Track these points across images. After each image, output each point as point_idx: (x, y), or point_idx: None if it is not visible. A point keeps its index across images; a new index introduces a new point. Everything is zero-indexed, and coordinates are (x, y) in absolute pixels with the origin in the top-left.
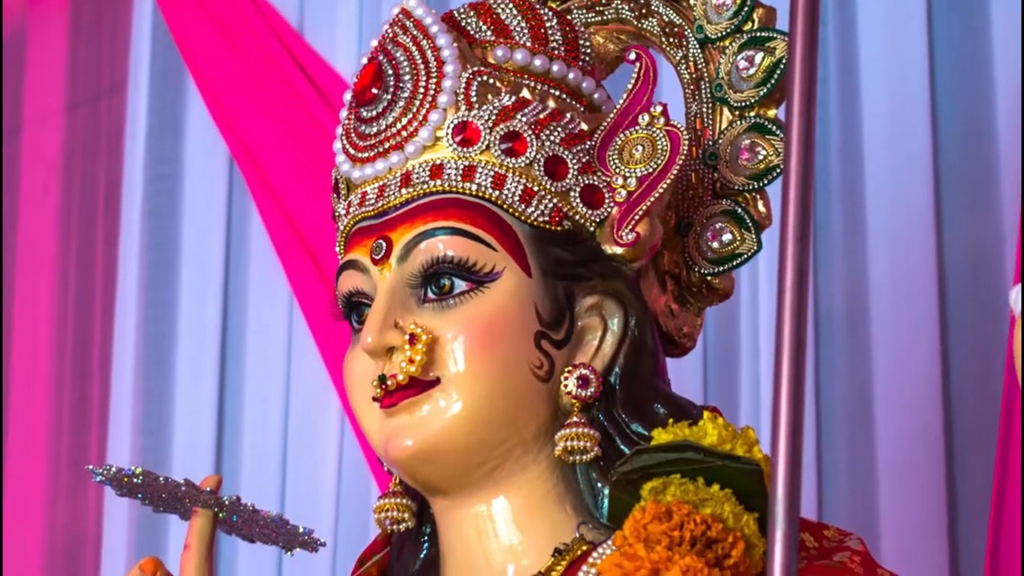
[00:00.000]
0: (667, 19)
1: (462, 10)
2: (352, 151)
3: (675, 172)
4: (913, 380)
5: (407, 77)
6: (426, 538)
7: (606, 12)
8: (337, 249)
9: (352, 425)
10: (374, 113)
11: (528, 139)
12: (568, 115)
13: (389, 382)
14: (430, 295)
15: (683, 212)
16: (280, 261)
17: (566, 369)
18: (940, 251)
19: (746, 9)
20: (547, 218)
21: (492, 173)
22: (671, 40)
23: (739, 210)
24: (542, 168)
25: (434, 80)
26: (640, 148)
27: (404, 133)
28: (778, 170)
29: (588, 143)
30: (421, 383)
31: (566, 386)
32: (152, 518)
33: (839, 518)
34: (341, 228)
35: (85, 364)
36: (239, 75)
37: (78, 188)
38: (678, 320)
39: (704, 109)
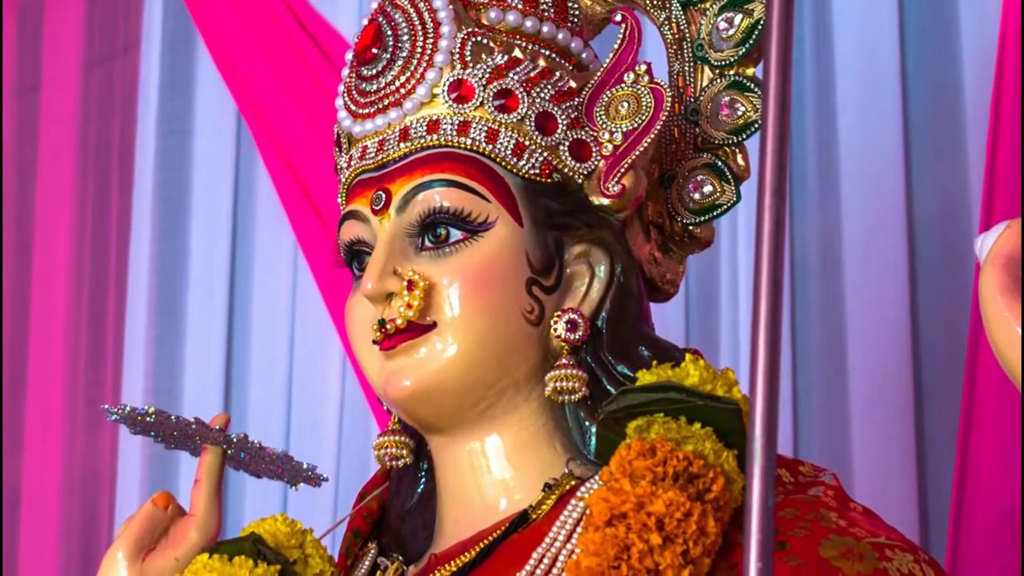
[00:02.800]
0: None
1: None
2: (353, 107)
3: (659, 127)
4: (884, 324)
5: (405, 37)
6: (423, 473)
7: None
8: (339, 200)
9: (353, 367)
10: (374, 71)
11: (520, 96)
12: (558, 73)
13: (388, 326)
14: (427, 244)
15: (666, 165)
16: (285, 212)
17: (556, 314)
18: (909, 202)
19: None
20: (538, 171)
21: (486, 128)
22: (655, 2)
23: (719, 163)
24: (533, 123)
25: (431, 40)
26: (625, 105)
27: (402, 90)
28: (756, 125)
29: (576, 100)
30: (418, 327)
31: (556, 330)
32: (164, 455)
33: (814, 455)
34: (343, 180)
35: (101, 310)
36: (246, 36)
37: (94, 143)
38: (661, 267)
39: (686, 68)
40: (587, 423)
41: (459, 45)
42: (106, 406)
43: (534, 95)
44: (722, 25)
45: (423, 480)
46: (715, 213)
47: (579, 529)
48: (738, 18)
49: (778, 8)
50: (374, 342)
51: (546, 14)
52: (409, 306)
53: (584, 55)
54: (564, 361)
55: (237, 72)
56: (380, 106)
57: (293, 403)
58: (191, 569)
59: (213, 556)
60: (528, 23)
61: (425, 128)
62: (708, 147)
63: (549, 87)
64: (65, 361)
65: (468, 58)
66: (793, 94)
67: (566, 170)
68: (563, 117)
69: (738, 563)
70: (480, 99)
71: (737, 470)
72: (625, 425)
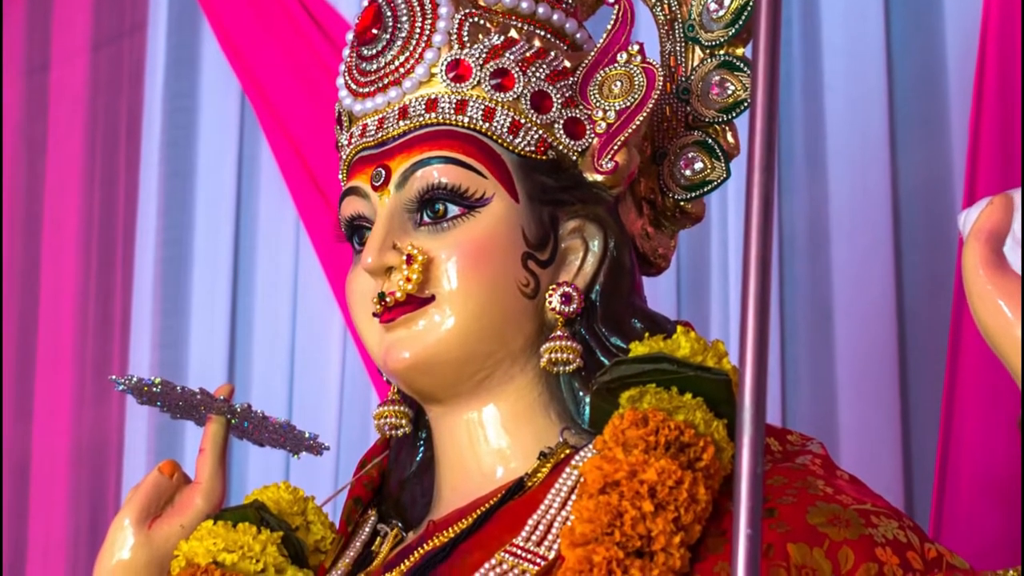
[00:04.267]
0: None
1: None
2: (354, 86)
3: (651, 106)
4: (870, 297)
5: (404, 19)
6: (422, 442)
7: None
8: (340, 177)
9: (354, 338)
10: (374, 52)
11: (516, 75)
12: (552, 53)
13: (388, 299)
14: (425, 219)
15: (658, 142)
16: (287, 188)
17: (550, 287)
18: (895, 179)
19: None
20: (533, 148)
21: (483, 107)
22: None
23: (710, 141)
24: (528, 102)
25: (429, 21)
26: (619, 84)
27: (402, 70)
28: (745, 104)
29: (571, 79)
30: (417, 300)
31: (550, 302)
32: (170, 424)
33: (801, 424)
34: (343, 157)
35: (108, 283)
36: (250, 17)
37: (102, 121)
38: (653, 242)
39: (677, 48)
40: (581, 393)
41: (456, 26)
42: (114, 377)
43: (530, 74)
44: (712, 6)
45: (422, 449)
46: (705, 189)
47: (573, 496)
48: None
49: None
50: (374, 315)
51: None
52: (408, 280)
53: (578, 36)
54: (559, 333)
55: (241, 52)
56: (380, 85)
57: (295, 374)
58: (196, 535)
59: (217, 523)
60: (524, 4)
61: (424, 107)
62: (699, 125)
63: (544, 67)
64: (74, 333)
65: (465, 38)
66: (781, 74)
67: (561, 147)
68: (558, 96)
69: (728, 529)
70: (477, 78)
71: (727, 439)
72: (618, 395)
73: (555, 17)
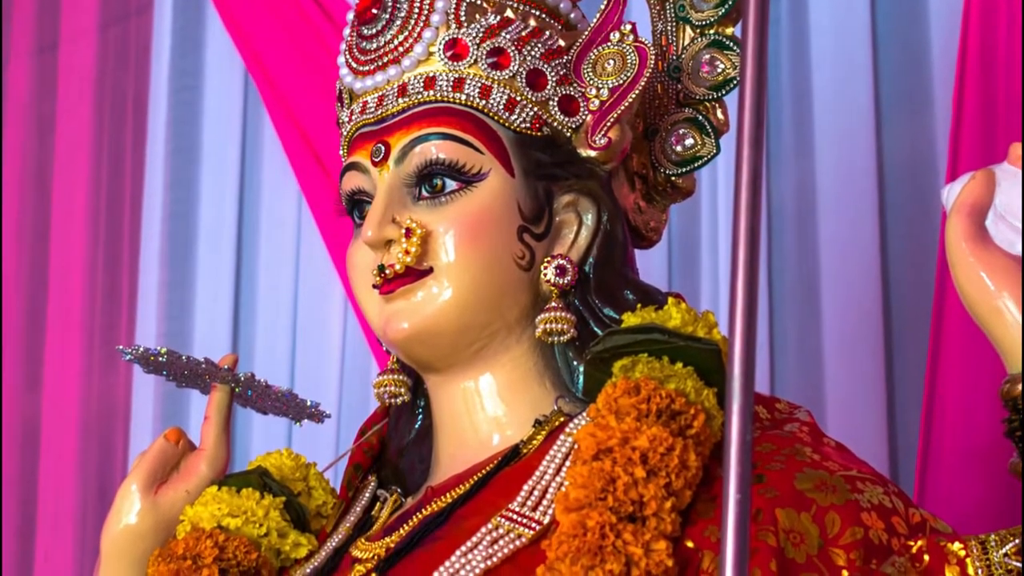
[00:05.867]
0: None
1: None
2: (354, 65)
3: (643, 84)
4: (856, 269)
5: None
6: (420, 410)
7: None
8: (341, 152)
9: (354, 310)
10: (374, 31)
11: (512, 54)
12: (547, 33)
13: (387, 271)
14: (424, 193)
15: (650, 119)
16: (290, 163)
17: (545, 259)
18: (880, 154)
19: None
20: (528, 124)
21: (479, 84)
22: None
23: (700, 117)
24: (524, 80)
25: (427, 1)
26: (612, 62)
27: (401, 49)
28: (735, 82)
29: (565, 58)
30: (416, 272)
31: (545, 275)
32: (176, 393)
33: (789, 393)
34: (344, 133)
35: (116, 256)
36: None
37: (109, 99)
38: (645, 216)
39: (669, 27)
40: (575, 363)
41: (454, 6)
42: (121, 347)
43: (525, 53)
44: None
45: (420, 417)
46: (696, 164)
47: (568, 463)
48: None
49: None
50: (374, 286)
51: None
52: (407, 252)
53: (572, 15)
54: (554, 304)
55: (245, 32)
56: (380, 63)
57: (297, 344)
58: (201, 500)
59: (222, 488)
60: None
61: (422, 84)
62: (689, 102)
63: (539, 45)
64: (82, 305)
65: (463, 18)
66: (770, 52)
67: (555, 124)
68: (552, 74)
69: (718, 495)
70: (474, 57)
71: (717, 407)
72: (611, 364)
73: None
